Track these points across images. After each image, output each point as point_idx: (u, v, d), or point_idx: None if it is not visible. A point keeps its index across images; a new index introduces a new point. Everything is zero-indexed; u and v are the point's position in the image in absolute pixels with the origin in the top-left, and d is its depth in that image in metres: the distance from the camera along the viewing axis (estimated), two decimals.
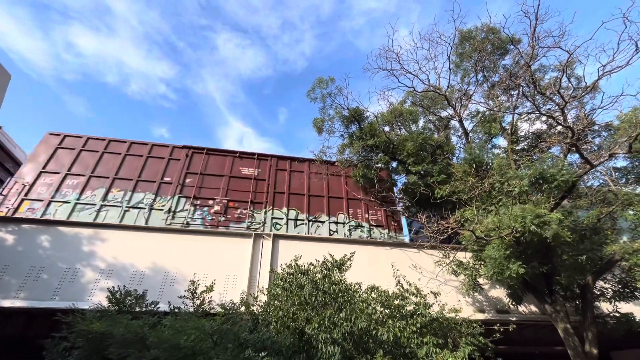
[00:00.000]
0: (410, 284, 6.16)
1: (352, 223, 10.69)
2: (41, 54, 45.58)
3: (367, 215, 10.99)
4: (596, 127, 10.19)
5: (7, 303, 6.46)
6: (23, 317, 7.06)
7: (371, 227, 10.73)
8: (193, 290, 5.68)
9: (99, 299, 6.61)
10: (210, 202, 10.31)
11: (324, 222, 10.62)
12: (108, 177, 10.17)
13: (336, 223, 10.65)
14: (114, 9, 44.90)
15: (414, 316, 5.41)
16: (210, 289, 5.73)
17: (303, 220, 10.56)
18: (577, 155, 8.28)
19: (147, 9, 52.19)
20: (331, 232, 10.33)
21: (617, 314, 7.87)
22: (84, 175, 10.03)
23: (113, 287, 5.70)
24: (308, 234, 10.21)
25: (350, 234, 10.41)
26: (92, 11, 41.79)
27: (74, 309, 4.82)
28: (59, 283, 7.00)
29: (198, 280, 6.01)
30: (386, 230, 10.74)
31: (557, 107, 8.03)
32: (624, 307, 8.16)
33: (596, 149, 10.14)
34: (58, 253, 7.46)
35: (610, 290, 8.02)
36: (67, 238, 7.77)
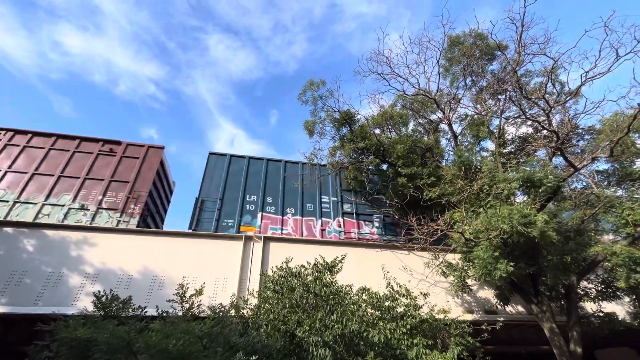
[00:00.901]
0: (400, 286, 6.21)
1: (76, 205, 9.27)
2: (25, 52, 44.44)
3: (101, 197, 9.58)
4: (580, 131, 10.49)
5: None
6: (2, 323, 6.83)
7: (99, 210, 9.35)
8: (182, 293, 5.59)
9: (85, 304, 6.43)
10: None
11: (37, 203, 9.13)
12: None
13: (54, 205, 9.16)
14: (102, 8, 44.18)
15: (404, 317, 5.46)
16: (199, 292, 5.66)
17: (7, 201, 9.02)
18: (562, 158, 8.51)
19: (136, 8, 51.56)
20: (42, 215, 8.91)
21: (601, 314, 8.09)
22: None
23: (99, 292, 5.56)
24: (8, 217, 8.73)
25: (66, 218, 9.00)
26: (80, 10, 41.04)
27: (57, 315, 4.68)
28: (42, 288, 6.80)
29: (187, 284, 5.93)
30: (118, 214, 9.34)
31: (542, 111, 8.24)
32: (607, 306, 8.39)
33: (580, 152, 10.43)
34: (43, 257, 7.25)
35: (593, 290, 8.24)
36: (54, 242, 7.56)
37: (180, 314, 5.49)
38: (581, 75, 7.52)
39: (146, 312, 5.61)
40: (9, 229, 7.51)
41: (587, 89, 13.94)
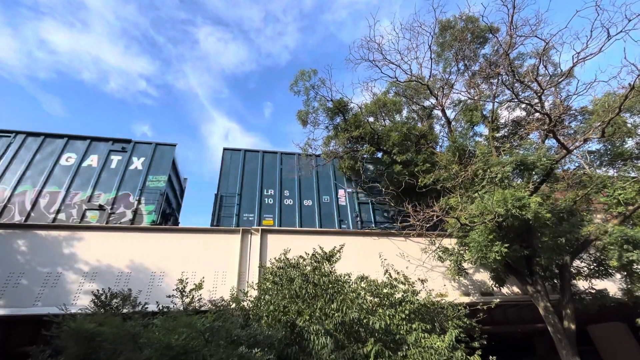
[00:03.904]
0: (398, 272, 6.29)
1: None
2: (11, 51, 43.16)
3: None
4: (572, 112, 10.54)
5: None
6: (3, 325, 6.83)
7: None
8: (182, 288, 5.61)
9: (84, 302, 6.44)
10: None
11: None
12: None
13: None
14: (87, 3, 42.86)
15: (403, 303, 5.54)
16: (199, 286, 5.68)
17: None
18: (554, 140, 8.56)
19: (123, 3, 50.11)
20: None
21: (593, 291, 8.30)
22: None
23: (98, 290, 5.56)
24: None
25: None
26: (65, 6, 39.78)
27: (63, 313, 4.68)
28: (40, 288, 6.78)
29: (186, 279, 5.95)
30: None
31: (535, 94, 8.24)
32: (599, 284, 8.60)
33: (572, 133, 10.51)
34: (37, 257, 7.20)
35: (586, 268, 8.43)
36: (46, 242, 7.50)
37: (181, 308, 5.52)
38: (573, 56, 7.50)
39: (147, 308, 5.64)
40: (1, 231, 7.42)
41: (579, 69, 13.97)
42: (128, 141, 10.73)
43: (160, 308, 5.50)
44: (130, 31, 51.36)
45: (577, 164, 10.04)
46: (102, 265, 7.37)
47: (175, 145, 11.14)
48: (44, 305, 6.53)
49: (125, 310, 5.43)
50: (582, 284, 8.72)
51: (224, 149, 11.63)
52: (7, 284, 6.68)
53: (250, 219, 10.11)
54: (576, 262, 8.47)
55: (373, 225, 10.99)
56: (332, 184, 11.80)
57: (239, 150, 11.80)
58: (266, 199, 10.77)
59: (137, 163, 10.36)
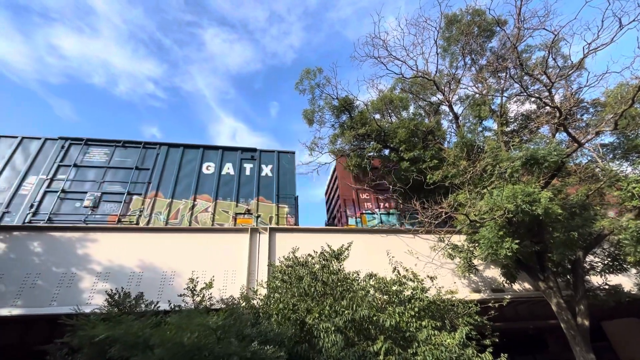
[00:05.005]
0: (407, 270, 6.26)
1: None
2: (23, 57, 44.15)
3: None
4: (584, 105, 10.31)
5: (4, 312, 6.40)
6: (21, 325, 7.03)
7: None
8: (192, 287, 5.69)
9: (98, 302, 6.59)
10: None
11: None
12: None
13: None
14: (95, 8, 43.53)
15: (412, 301, 5.52)
16: (209, 285, 5.75)
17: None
18: (565, 134, 8.40)
19: (129, 6, 50.72)
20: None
21: (607, 287, 8.14)
22: None
23: (111, 290, 5.67)
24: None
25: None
26: (74, 11, 40.46)
27: (77, 313, 4.79)
28: (56, 288, 6.94)
29: (197, 278, 6.02)
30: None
31: (544, 87, 8.10)
32: (613, 279, 8.44)
33: (584, 126, 10.29)
34: (52, 258, 7.37)
35: (600, 264, 8.27)
36: (61, 243, 7.67)
37: (192, 307, 5.60)
38: (583, 48, 7.34)
39: (159, 307, 5.74)
40: (17, 233, 7.62)
41: (590, 61, 13.64)
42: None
43: (172, 307, 5.59)
44: (137, 34, 52.04)
45: (589, 158, 9.84)
46: (114, 266, 7.51)
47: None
48: (59, 305, 6.69)
49: (138, 310, 5.53)
50: (595, 280, 8.57)
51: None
52: (24, 284, 6.87)
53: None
54: (589, 258, 8.32)
55: None
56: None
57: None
58: None
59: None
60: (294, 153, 11.62)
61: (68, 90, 49.00)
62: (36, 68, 46.43)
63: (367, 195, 11.58)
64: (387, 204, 11.49)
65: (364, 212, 11.12)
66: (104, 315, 4.66)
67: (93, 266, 7.43)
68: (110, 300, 5.47)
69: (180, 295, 5.73)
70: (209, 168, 10.67)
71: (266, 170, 11.03)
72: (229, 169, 10.79)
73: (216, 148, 11.16)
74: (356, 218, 10.87)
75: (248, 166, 10.98)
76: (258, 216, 9.78)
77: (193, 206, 9.67)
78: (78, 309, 5.11)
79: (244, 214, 9.74)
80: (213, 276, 6.86)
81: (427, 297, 5.67)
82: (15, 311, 6.45)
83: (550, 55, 8.11)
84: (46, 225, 8.23)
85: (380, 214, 11.19)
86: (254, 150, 11.34)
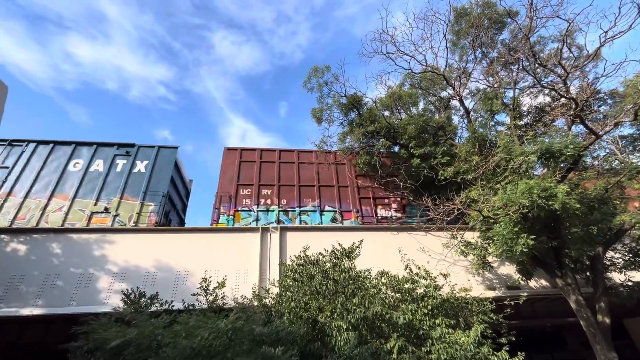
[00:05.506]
0: (419, 267, 6.18)
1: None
2: (39, 65, 45.56)
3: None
4: (601, 95, 9.98)
5: (26, 311, 6.62)
6: (43, 324, 7.25)
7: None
8: (205, 287, 5.76)
9: (115, 301, 6.75)
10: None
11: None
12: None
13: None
14: (108, 15, 44.52)
15: (425, 298, 5.45)
16: (222, 284, 5.81)
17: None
18: (582, 126, 8.14)
19: (140, 12, 51.68)
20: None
21: (630, 283, 7.86)
22: None
23: (127, 290, 5.79)
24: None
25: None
26: (87, 19, 41.47)
27: (88, 317, 4.89)
28: (74, 288, 7.14)
29: (209, 277, 6.11)
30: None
31: (559, 78, 7.86)
32: (636, 275, 8.15)
33: (602, 117, 9.96)
34: (70, 259, 7.58)
35: (620, 260, 8.00)
36: (78, 244, 7.88)
37: (205, 306, 5.67)
38: (600, 36, 7.08)
39: (173, 306, 5.83)
40: (37, 235, 7.86)
41: (607, 50, 13.19)
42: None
43: (186, 306, 5.67)
44: (148, 39, 52.99)
45: (607, 150, 9.52)
46: (130, 266, 7.67)
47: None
48: (78, 305, 6.89)
49: (153, 309, 5.63)
50: (617, 276, 8.29)
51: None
52: (44, 285, 7.08)
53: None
54: (609, 254, 8.05)
55: None
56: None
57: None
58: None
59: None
60: (176, 148, 11.19)
61: (83, 96, 50.32)
62: (52, 75, 47.85)
63: (248, 191, 10.86)
64: (281, 200, 10.93)
65: (239, 209, 10.43)
66: (118, 315, 4.74)
67: (109, 267, 7.61)
68: (126, 299, 5.59)
69: (194, 295, 5.82)
70: (76, 165, 10.23)
71: (140, 166, 10.50)
72: (98, 165, 10.34)
73: (90, 144, 10.75)
74: (228, 215, 10.18)
75: (121, 162, 10.49)
76: (116, 215, 9.26)
77: (46, 205, 9.25)
78: (92, 311, 5.21)
79: (101, 212, 9.33)
80: (225, 275, 6.94)
81: (440, 294, 5.59)
82: (36, 311, 6.66)
83: (565, 45, 7.85)
84: (64, 227, 8.47)
85: (258, 210, 10.49)
86: (131, 145, 10.89)
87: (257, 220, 10.21)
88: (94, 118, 53.75)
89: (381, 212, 11.15)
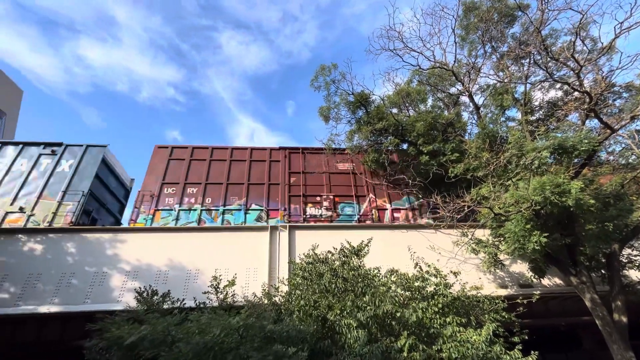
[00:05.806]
0: (429, 265, 6.13)
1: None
2: (52, 69, 46.70)
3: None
4: (616, 89, 9.70)
5: (43, 309, 6.81)
6: (59, 322, 7.45)
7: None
8: (216, 285, 5.84)
9: (128, 299, 6.89)
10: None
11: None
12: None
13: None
14: (117, 18, 45.30)
15: (435, 297, 5.40)
16: (232, 283, 5.88)
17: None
18: (596, 120, 7.94)
19: (149, 14, 52.43)
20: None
21: None
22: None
23: (140, 288, 5.90)
24: None
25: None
26: (97, 22, 42.32)
27: (102, 315, 5.00)
28: (89, 287, 7.31)
29: (220, 276, 6.18)
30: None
31: (572, 72, 7.67)
32: None
33: (617, 111, 9.68)
34: (85, 258, 7.76)
35: (638, 257, 7.78)
36: (92, 244, 8.06)
37: (216, 304, 5.74)
38: (615, 27, 6.88)
39: (184, 304, 5.92)
40: (53, 235, 8.07)
41: (622, 41, 12.81)
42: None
43: (197, 304, 5.76)
44: (157, 41, 53.79)
45: (623, 145, 9.25)
46: (142, 265, 7.81)
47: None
48: (93, 303, 7.05)
49: (165, 307, 5.73)
50: (634, 274, 8.07)
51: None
52: (60, 283, 7.27)
53: None
54: (626, 251, 7.84)
55: None
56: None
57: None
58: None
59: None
60: (105, 146, 10.84)
61: (94, 98, 51.33)
62: (65, 79, 49.06)
63: (173, 190, 10.57)
64: (206, 199, 10.61)
65: (159, 208, 10.12)
66: (131, 314, 4.83)
67: (122, 265, 7.76)
68: (139, 297, 5.70)
69: (205, 293, 5.89)
70: None
71: (65, 165, 10.20)
72: (22, 165, 10.05)
73: (16, 144, 10.51)
74: (147, 215, 9.89)
75: (46, 161, 10.20)
76: (31, 215, 9.02)
77: None
78: (106, 309, 5.32)
79: (15, 212, 9.06)
80: (235, 274, 7.00)
81: (451, 293, 5.53)
82: (53, 308, 6.85)
83: (578, 38, 7.66)
84: (78, 227, 8.66)
85: (180, 209, 10.17)
86: (59, 144, 10.60)
87: (177, 219, 9.98)
88: (105, 119, 54.79)
89: (311, 210, 10.77)
